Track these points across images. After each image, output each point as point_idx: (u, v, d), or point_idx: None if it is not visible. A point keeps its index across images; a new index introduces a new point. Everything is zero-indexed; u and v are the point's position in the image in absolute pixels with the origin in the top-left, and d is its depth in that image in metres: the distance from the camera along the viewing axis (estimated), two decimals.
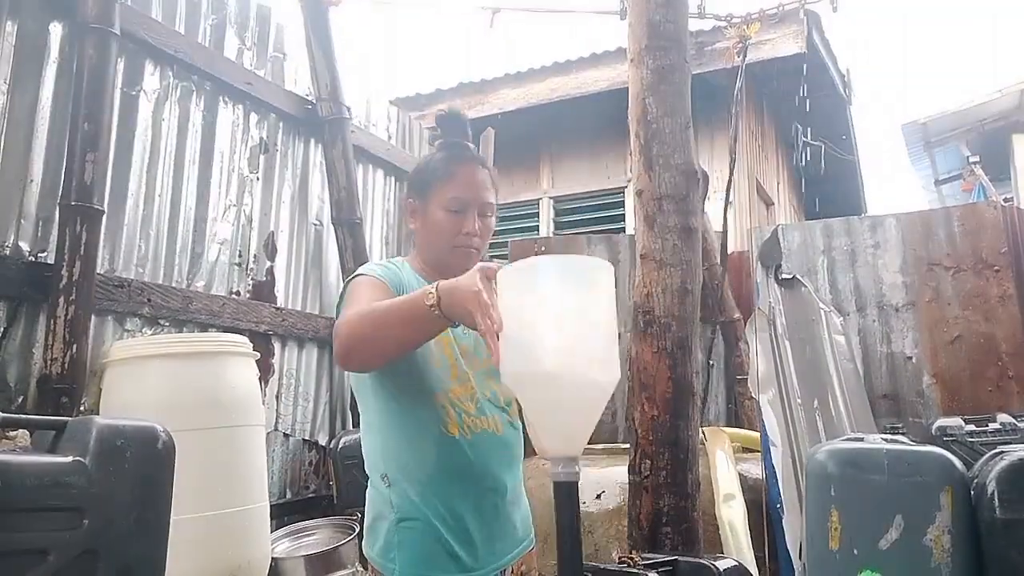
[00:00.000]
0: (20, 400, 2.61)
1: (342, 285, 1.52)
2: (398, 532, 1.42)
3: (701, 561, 1.68)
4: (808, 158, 7.40)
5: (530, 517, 1.60)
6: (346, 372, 4.05)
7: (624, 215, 6.34)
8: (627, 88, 2.75)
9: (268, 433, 3.45)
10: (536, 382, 1.02)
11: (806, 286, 3.81)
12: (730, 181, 4.54)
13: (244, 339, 3.01)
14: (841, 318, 4.16)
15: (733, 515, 2.98)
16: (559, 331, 1.01)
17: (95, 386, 2.77)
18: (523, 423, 1.52)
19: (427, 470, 1.42)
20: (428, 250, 1.55)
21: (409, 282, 1.49)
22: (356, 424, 3.93)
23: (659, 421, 2.49)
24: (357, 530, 3.23)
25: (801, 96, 6.44)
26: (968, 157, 7.95)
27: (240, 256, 3.62)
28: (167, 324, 3.15)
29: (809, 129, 7.25)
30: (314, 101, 4.08)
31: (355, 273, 1.50)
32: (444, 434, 1.41)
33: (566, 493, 1.01)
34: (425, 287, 1.20)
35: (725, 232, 4.56)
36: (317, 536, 3.43)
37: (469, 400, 1.45)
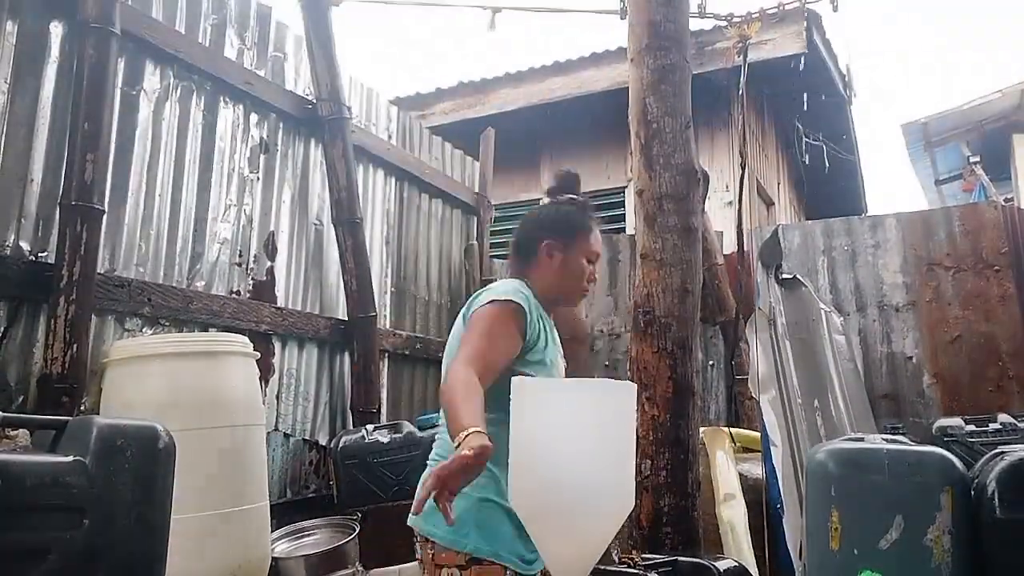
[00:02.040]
0: (20, 400, 2.61)
1: (484, 295, 1.66)
2: (478, 509, 1.50)
3: (701, 561, 1.69)
4: (808, 158, 7.40)
5: None
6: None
7: (624, 215, 6.34)
8: (627, 88, 2.76)
9: (268, 433, 3.44)
10: (547, 513, 1.01)
11: (806, 286, 3.81)
12: (741, 184, 4.50)
13: (244, 339, 3.01)
14: (841, 318, 4.17)
15: (733, 515, 2.98)
16: (574, 462, 0.99)
17: (95, 386, 2.77)
18: None
19: None
20: (553, 287, 1.77)
21: (535, 314, 1.66)
22: (356, 424, 3.93)
23: (659, 421, 2.49)
24: (357, 530, 3.23)
25: (801, 96, 6.45)
26: (968, 157, 7.94)
27: (240, 256, 3.62)
28: (167, 324, 3.15)
29: (809, 129, 7.25)
30: (314, 101, 4.08)
31: (507, 296, 1.63)
32: None
33: None
34: (467, 431, 1.27)
35: (740, 231, 4.51)
36: (317, 536, 3.43)
37: None
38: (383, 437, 3.63)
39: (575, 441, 0.99)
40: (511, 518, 1.46)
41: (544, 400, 1.03)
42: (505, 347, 1.56)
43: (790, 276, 3.73)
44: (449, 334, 1.76)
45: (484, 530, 1.49)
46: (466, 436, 1.26)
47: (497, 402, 1.54)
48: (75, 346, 2.60)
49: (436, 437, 1.73)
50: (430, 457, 1.69)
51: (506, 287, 1.68)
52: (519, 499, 1.03)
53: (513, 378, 1.08)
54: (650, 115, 2.62)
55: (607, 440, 1.01)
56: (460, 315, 1.72)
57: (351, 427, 3.95)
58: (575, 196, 1.87)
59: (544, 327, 1.70)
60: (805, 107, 6.73)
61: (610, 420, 1.02)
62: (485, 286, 1.91)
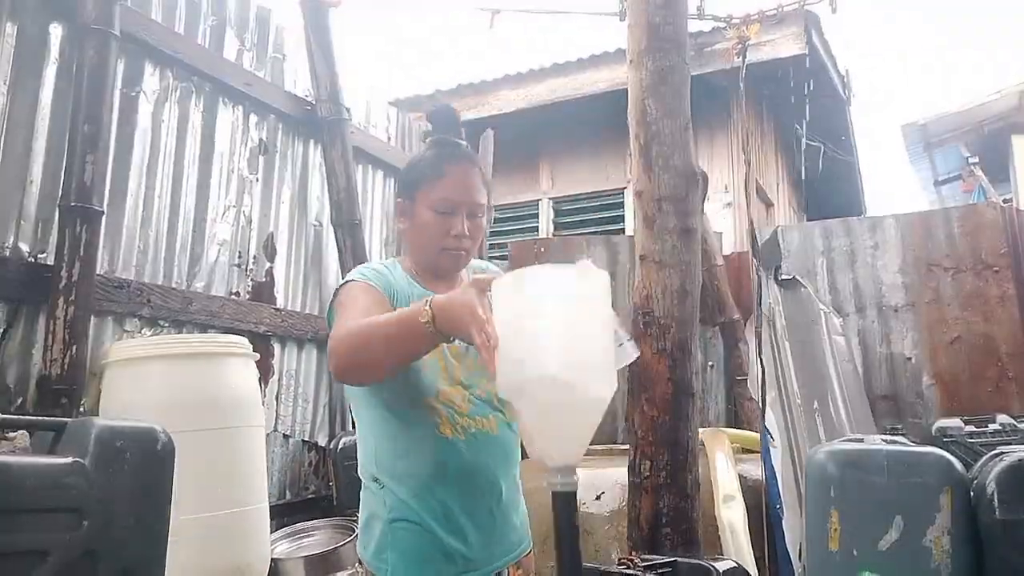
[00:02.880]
0: (20, 401, 2.61)
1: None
2: (392, 532, 1.41)
3: (700, 562, 1.68)
4: (807, 159, 7.40)
5: (527, 519, 1.60)
6: None
7: (624, 216, 6.34)
8: (626, 89, 2.75)
9: (268, 434, 3.44)
10: (532, 390, 1.00)
11: (806, 287, 3.81)
12: (746, 188, 4.49)
13: (244, 340, 3.01)
14: (841, 319, 4.17)
15: (733, 516, 2.98)
16: (554, 339, 0.99)
17: (95, 387, 2.77)
18: None
19: (422, 471, 1.41)
20: (417, 251, 1.54)
21: (399, 284, 1.48)
22: (355, 425, 3.93)
23: (659, 422, 2.49)
24: (356, 531, 3.23)
25: (801, 97, 6.44)
26: (968, 158, 7.94)
27: (240, 257, 3.62)
28: (167, 325, 3.15)
29: (808, 130, 7.25)
30: (313, 102, 4.08)
31: (346, 278, 1.48)
32: (438, 435, 1.41)
33: (564, 503, 1.00)
34: (418, 303, 1.18)
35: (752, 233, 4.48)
36: (317, 537, 3.43)
37: (462, 401, 1.44)
38: None
39: (549, 321, 1.00)
40: (431, 539, 1.39)
41: (517, 287, 1.04)
42: (364, 306, 1.34)
43: (789, 277, 3.74)
44: None
45: (402, 554, 1.39)
46: (427, 306, 1.13)
47: (378, 396, 1.42)
48: (74, 347, 2.60)
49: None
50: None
51: (352, 272, 1.51)
52: (505, 388, 1.04)
53: (494, 279, 1.09)
54: (649, 117, 2.62)
55: (582, 318, 1.02)
56: None
57: (350, 428, 3.95)
58: (441, 136, 1.55)
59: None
60: (804, 108, 6.73)
61: (583, 299, 1.03)
62: None
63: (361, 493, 1.52)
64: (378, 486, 1.45)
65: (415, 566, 1.39)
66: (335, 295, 1.47)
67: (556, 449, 1.02)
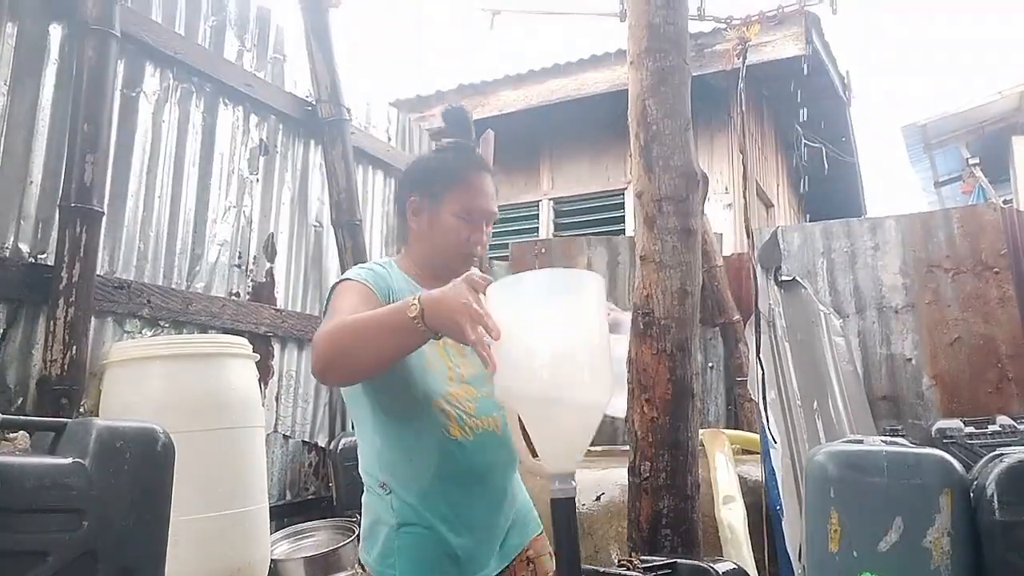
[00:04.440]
0: (20, 401, 2.61)
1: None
2: (399, 537, 1.39)
3: (700, 564, 1.68)
4: (808, 160, 7.41)
5: (531, 504, 1.60)
6: None
7: (624, 217, 6.34)
8: (627, 90, 2.75)
9: (268, 435, 3.45)
10: (529, 397, 1.01)
11: (806, 288, 3.81)
12: (745, 189, 4.49)
13: (244, 341, 3.01)
14: (841, 320, 4.17)
15: (733, 517, 2.98)
16: (550, 346, 1.00)
17: (95, 388, 2.77)
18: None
19: (429, 475, 1.40)
20: (429, 252, 1.52)
21: (398, 285, 1.46)
22: (355, 428, 3.93)
23: (659, 423, 2.48)
24: (356, 532, 3.23)
25: (801, 98, 6.45)
26: (968, 159, 7.95)
27: (240, 257, 3.62)
28: (167, 325, 3.15)
29: (809, 130, 7.26)
30: (314, 103, 4.08)
31: (341, 277, 1.46)
32: (446, 438, 1.39)
33: (563, 509, 1.01)
34: (407, 298, 1.15)
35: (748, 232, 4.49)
36: (316, 538, 3.43)
37: (469, 400, 1.44)
38: None
39: (545, 327, 1.01)
40: (439, 542, 1.38)
41: (513, 290, 1.05)
42: (353, 307, 1.31)
43: (789, 278, 3.74)
44: None
45: (410, 559, 1.37)
46: (415, 303, 1.10)
47: (382, 401, 1.41)
48: (74, 348, 2.60)
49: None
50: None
51: (349, 270, 1.48)
52: (500, 392, 1.04)
53: (489, 286, 1.09)
54: (649, 117, 2.62)
55: (577, 324, 1.02)
56: None
57: (350, 429, 3.95)
58: (459, 139, 1.55)
59: None
60: (804, 109, 6.74)
61: (578, 304, 1.03)
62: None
63: (364, 498, 1.50)
64: (384, 491, 1.43)
65: (424, 570, 1.38)
66: (329, 295, 1.45)
67: (552, 456, 1.02)
